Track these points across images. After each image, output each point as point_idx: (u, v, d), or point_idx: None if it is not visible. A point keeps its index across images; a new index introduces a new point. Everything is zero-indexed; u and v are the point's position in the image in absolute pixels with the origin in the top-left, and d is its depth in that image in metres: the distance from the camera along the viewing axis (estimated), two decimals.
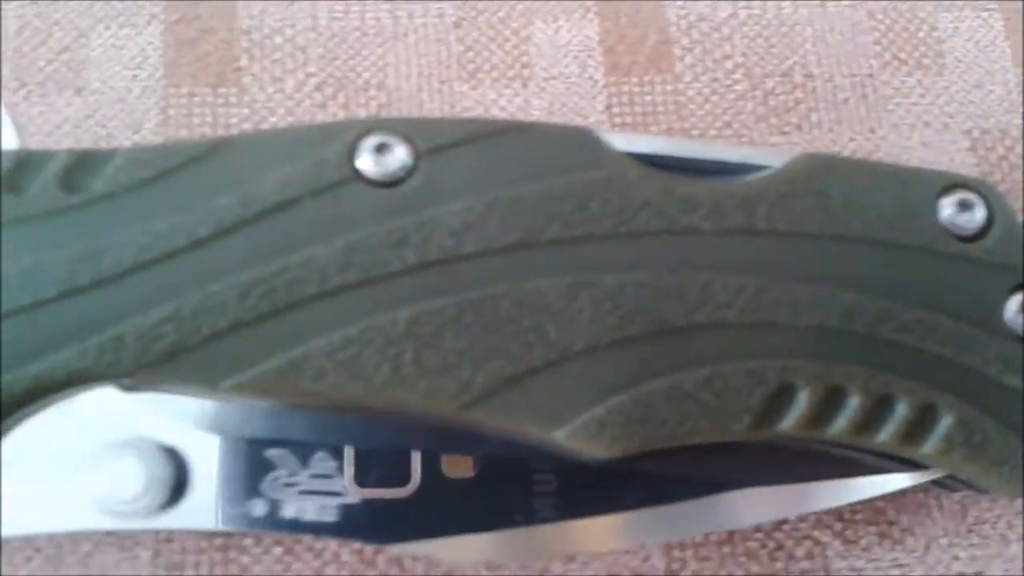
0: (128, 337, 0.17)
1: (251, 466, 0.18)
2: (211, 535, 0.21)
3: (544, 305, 0.18)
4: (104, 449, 0.17)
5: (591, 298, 0.18)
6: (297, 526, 0.18)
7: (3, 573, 0.20)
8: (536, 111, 0.25)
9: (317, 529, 0.18)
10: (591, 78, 0.25)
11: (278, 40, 0.25)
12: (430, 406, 0.18)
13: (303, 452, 0.18)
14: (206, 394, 0.18)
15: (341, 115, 0.24)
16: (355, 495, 0.18)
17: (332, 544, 0.21)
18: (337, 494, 0.18)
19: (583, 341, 0.18)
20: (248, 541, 0.21)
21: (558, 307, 0.18)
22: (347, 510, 0.18)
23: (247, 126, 0.24)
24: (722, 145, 0.20)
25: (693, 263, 0.18)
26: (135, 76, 0.24)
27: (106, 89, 0.24)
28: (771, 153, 0.20)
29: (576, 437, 0.18)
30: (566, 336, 0.18)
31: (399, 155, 0.18)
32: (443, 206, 0.18)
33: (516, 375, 0.18)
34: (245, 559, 0.21)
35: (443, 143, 0.18)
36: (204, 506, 0.18)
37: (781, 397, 0.18)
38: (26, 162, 0.17)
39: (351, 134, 0.18)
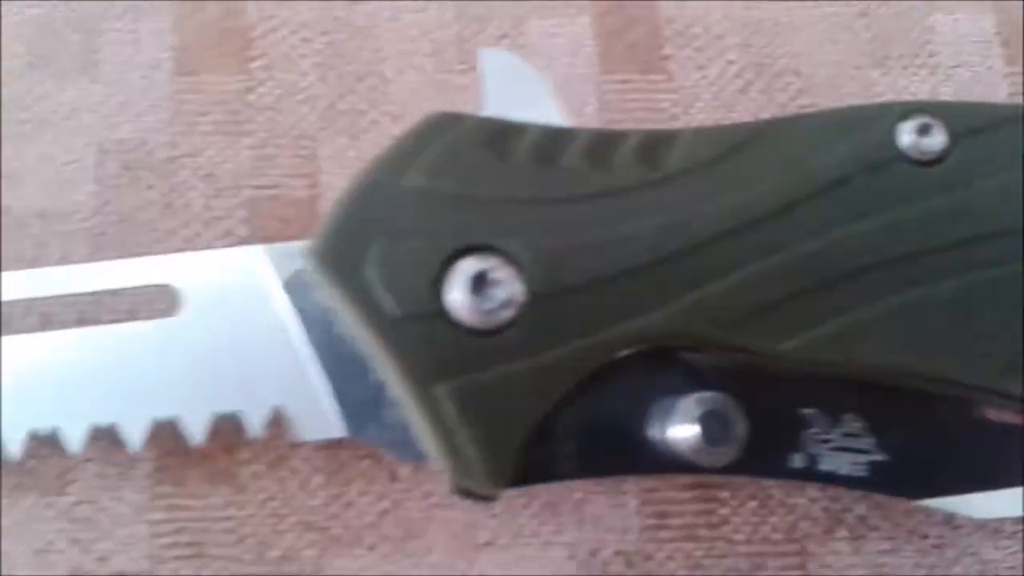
0: (708, 301, 0.19)
1: (789, 423, 0.20)
2: (691, 487, 0.23)
3: None
4: (691, 402, 0.19)
5: None
6: (833, 478, 0.20)
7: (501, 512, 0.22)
8: (944, 98, 0.26)
9: (851, 483, 0.20)
10: (991, 68, 0.26)
11: (697, 30, 0.26)
12: (970, 375, 0.19)
13: (833, 412, 0.20)
14: (760, 356, 0.19)
15: (762, 100, 0.26)
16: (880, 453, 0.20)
17: (802, 500, 0.23)
18: (865, 451, 0.20)
19: None
20: (725, 494, 0.23)
21: None
22: (876, 466, 0.20)
23: (677, 111, 0.26)
24: None
25: None
26: (572, 63, 0.26)
27: (547, 74, 0.26)
28: None
29: None
30: None
31: (938, 136, 0.19)
32: (979, 184, 0.19)
33: None
34: (724, 511, 0.23)
35: (977, 125, 0.19)
36: (747, 459, 0.19)
37: None
38: (603, 141, 0.19)
39: (893, 116, 0.19)
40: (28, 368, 0.20)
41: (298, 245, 0.21)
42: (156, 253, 0.23)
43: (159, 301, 0.21)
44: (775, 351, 0.19)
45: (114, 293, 0.21)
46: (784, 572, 0.22)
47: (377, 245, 0.18)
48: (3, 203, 0.24)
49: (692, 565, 0.22)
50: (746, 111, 0.26)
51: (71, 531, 0.22)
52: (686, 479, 0.23)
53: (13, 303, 0.21)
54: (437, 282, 0.18)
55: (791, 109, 0.26)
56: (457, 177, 0.18)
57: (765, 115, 0.26)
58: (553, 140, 0.19)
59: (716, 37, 0.26)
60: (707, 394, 0.18)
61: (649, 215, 0.19)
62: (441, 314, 0.18)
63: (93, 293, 0.21)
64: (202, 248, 0.24)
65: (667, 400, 0.19)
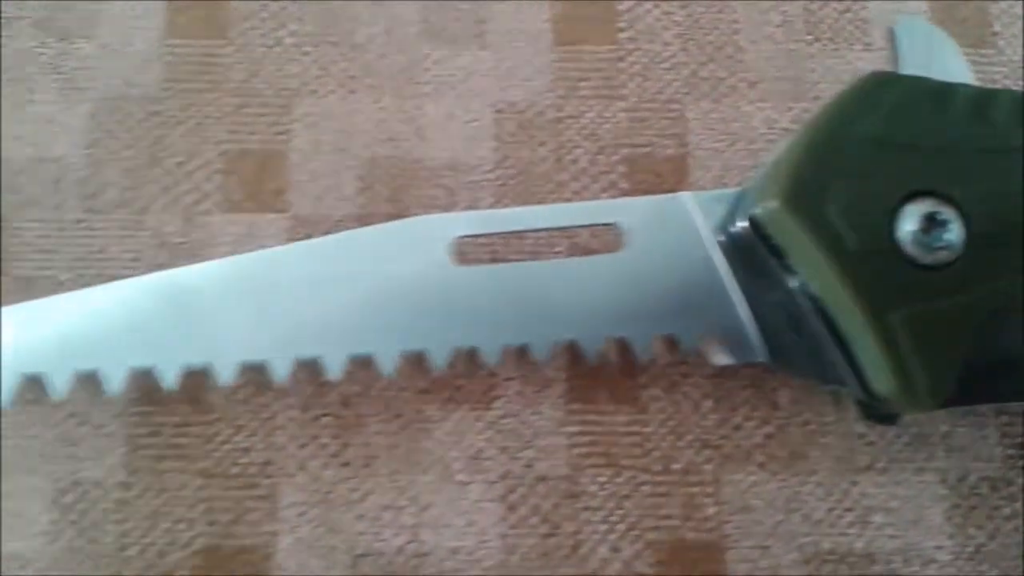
0: None
1: None
2: None
3: None
4: None
5: None
6: None
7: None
8: None
9: None
10: None
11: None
12: None
13: None
14: None
15: None
16: None
17: None
18: None
19: None
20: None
21: None
22: None
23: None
24: None
25: None
26: None
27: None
28: None
29: None
30: None
31: None
32: None
33: None
34: None
35: None
36: None
37: None
38: (989, 98, 0.21)
39: None
40: (488, 295, 0.23)
41: (722, 192, 0.23)
42: (550, 203, 0.26)
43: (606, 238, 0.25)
44: None
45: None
46: None
47: (837, 188, 0.21)
48: (415, 156, 0.27)
49: None
50: None
51: (499, 441, 0.25)
52: None
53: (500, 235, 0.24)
54: (891, 221, 0.21)
55: None
56: (904, 128, 0.21)
57: None
58: (982, 98, 0.21)
59: None
60: None
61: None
62: (895, 250, 0.20)
63: (550, 230, 0.24)
64: (590, 199, 0.27)
65: None
